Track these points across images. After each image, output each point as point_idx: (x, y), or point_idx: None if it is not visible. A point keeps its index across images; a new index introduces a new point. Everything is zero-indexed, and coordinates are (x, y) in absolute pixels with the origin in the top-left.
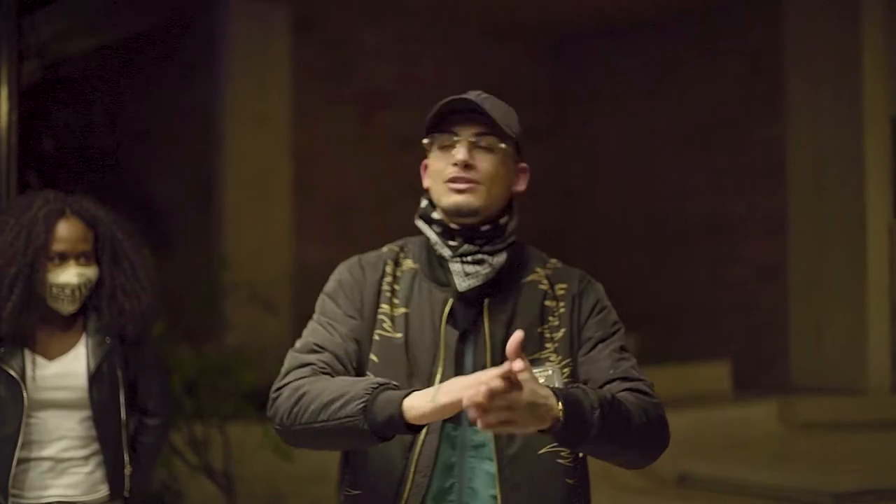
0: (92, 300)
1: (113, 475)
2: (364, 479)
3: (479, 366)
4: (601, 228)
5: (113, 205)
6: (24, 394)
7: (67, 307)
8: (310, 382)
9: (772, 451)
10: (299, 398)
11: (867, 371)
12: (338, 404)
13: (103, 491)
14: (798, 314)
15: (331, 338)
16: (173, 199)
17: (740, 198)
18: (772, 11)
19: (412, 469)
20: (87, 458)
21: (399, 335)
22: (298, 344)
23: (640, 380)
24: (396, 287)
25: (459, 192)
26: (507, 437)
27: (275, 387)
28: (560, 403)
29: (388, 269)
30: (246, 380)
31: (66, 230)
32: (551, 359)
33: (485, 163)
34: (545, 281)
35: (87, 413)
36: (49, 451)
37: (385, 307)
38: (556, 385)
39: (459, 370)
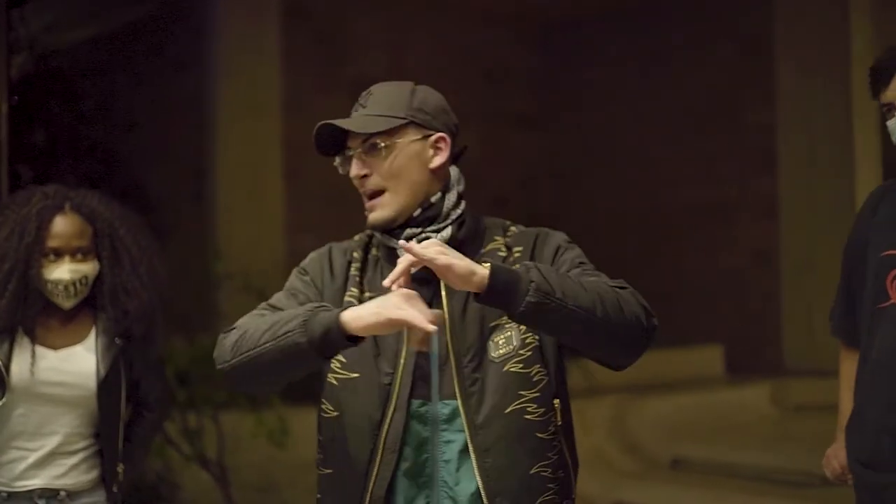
0: (97, 298)
1: (108, 469)
2: (334, 457)
3: (443, 343)
4: (593, 214)
5: (106, 196)
6: (7, 382)
7: (65, 302)
8: (254, 318)
9: (765, 433)
10: (244, 333)
11: None
12: (278, 325)
13: (87, 478)
14: (790, 298)
15: (287, 301)
16: (165, 189)
17: (732, 182)
18: None
19: (381, 446)
20: (75, 452)
21: None
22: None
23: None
24: (364, 273)
25: (370, 209)
26: (476, 405)
27: (223, 332)
28: (489, 269)
29: (357, 255)
30: None
31: (61, 226)
32: (506, 320)
33: (377, 166)
34: (503, 248)
35: (82, 410)
36: (39, 444)
37: (354, 290)
38: (516, 344)
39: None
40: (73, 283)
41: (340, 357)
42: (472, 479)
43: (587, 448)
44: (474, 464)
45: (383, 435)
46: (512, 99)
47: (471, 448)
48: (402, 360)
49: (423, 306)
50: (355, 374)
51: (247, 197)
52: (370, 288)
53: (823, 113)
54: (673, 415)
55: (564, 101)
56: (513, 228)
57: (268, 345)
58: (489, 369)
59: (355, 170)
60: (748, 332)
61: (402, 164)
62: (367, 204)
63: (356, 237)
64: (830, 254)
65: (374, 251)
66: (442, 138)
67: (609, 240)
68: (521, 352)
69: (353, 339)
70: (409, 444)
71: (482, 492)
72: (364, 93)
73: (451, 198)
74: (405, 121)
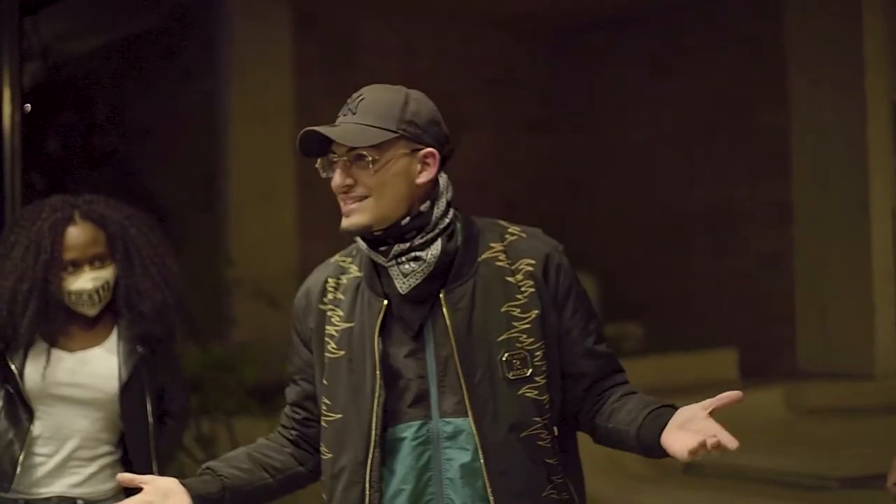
0: (115, 301)
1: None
2: (333, 498)
3: (442, 360)
4: (604, 218)
5: (111, 198)
6: (23, 389)
7: (89, 310)
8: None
9: (778, 437)
10: None
11: (874, 356)
12: None
13: (106, 488)
14: (803, 301)
15: (292, 388)
16: (177, 196)
17: (744, 185)
18: None
19: (367, 484)
20: (93, 458)
21: (342, 353)
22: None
23: (622, 370)
24: (339, 299)
25: (346, 214)
26: (490, 425)
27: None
28: None
29: (330, 285)
30: (250, 376)
31: (75, 237)
32: (521, 339)
33: (362, 176)
34: (502, 256)
35: (101, 414)
36: (55, 448)
37: (329, 329)
38: (531, 369)
39: (394, 382)
40: (97, 291)
41: (326, 400)
42: (479, 497)
43: (601, 453)
44: (488, 486)
45: (367, 474)
46: (521, 103)
47: (484, 470)
48: (375, 398)
49: None
50: (338, 416)
51: (259, 203)
52: (348, 317)
53: (836, 114)
54: None
55: (574, 106)
56: (511, 231)
57: None
58: (502, 388)
59: (339, 179)
60: (762, 335)
61: (388, 178)
62: (346, 209)
63: (334, 257)
64: (844, 256)
65: (353, 270)
66: (431, 153)
67: (619, 243)
68: (537, 379)
69: None
70: (411, 467)
71: None
72: (355, 95)
73: (439, 206)
74: (395, 135)
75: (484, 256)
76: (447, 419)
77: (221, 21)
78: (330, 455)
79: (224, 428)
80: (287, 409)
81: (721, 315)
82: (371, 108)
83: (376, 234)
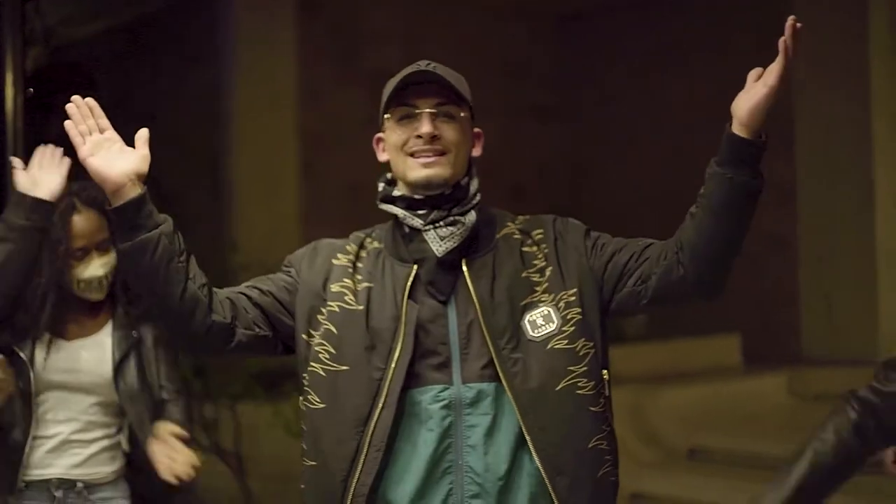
0: (113, 287)
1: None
2: (319, 450)
3: (465, 327)
4: (610, 203)
5: None
6: (31, 376)
7: (96, 295)
8: None
9: (782, 423)
10: None
11: (878, 342)
12: None
13: (107, 470)
14: (808, 285)
15: (263, 281)
16: (182, 182)
17: None
18: None
19: (366, 442)
20: (92, 441)
21: (360, 307)
22: None
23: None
24: (359, 265)
25: (427, 165)
26: (521, 385)
27: None
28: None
29: (350, 248)
30: (255, 360)
31: (81, 225)
32: (542, 299)
33: (448, 132)
34: (517, 232)
35: (98, 398)
36: (55, 431)
37: (347, 282)
38: (557, 321)
39: (419, 345)
40: (105, 276)
41: (329, 348)
42: (503, 464)
43: None
44: (531, 444)
45: (369, 431)
46: (529, 91)
47: (524, 428)
48: (395, 357)
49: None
50: (344, 367)
51: (263, 189)
52: (368, 278)
53: (840, 99)
54: (691, 405)
55: (581, 95)
56: (520, 217)
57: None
58: (529, 349)
59: (428, 128)
60: (765, 320)
61: (465, 139)
62: (425, 160)
63: (352, 234)
64: (848, 241)
65: (373, 244)
66: (479, 133)
67: (626, 229)
68: (565, 328)
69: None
70: (431, 429)
71: (542, 471)
72: (423, 61)
73: (474, 184)
74: (469, 104)
75: (502, 232)
76: (469, 384)
77: (225, 6)
78: (321, 405)
79: (228, 412)
80: (242, 287)
81: (725, 300)
82: (451, 74)
83: (424, 195)
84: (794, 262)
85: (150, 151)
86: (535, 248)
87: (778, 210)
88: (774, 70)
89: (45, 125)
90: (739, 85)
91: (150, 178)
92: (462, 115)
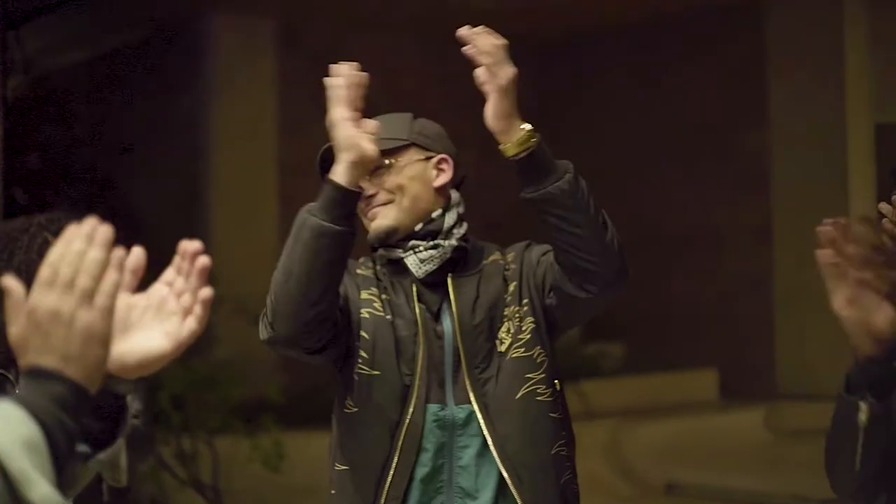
0: None
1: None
2: (351, 454)
3: (451, 343)
4: None
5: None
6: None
7: None
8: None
9: (759, 458)
10: (272, 286)
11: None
12: (291, 241)
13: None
14: (783, 322)
15: None
16: (159, 212)
17: (724, 207)
18: (754, 19)
19: (398, 447)
20: None
21: (389, 316)
22: None
23: None
24: (369, 278)
25: (373, 218)
26: (492, 402)
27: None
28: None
29: (366, 263)
30: (233, 393)
31: None
32: (506, 314)
33: (386, 181)
34: (501, 259)
35: None
36: None
37: (374, 289)
38: (513, 330)
39: (440, 344)
40: None
41: (363, 353)
42: (490, 487)
43: (581, 472)
44: (495, 454)
45: (401, 437)
46: None
47: (490, 441)
48: (419, 363)
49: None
50: (376, 372)
51: (242, 220)
52: (384, 290)
53: (816, 136)
54: (667, 439)
55: (556, 126)
56: (505, 249)
57: (294, 258)
58: (499, 362)
59: (364, 186)
60: (742, 356)
61: (405, 181)
62: (370, 213)
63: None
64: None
65: (368, 270)
66: (444, 159)
67: None
68: (520, 336)
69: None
70: (426, 449)
71: (507, 479)
72: None
73: (451, 216)
74: (407, 142)
75: (489, 259)
76: (461, 406)
77: (205, 37)
78: (355, 409)
79: (206, 446)
80: None
81: (701, 335)
82: (382, 126)
83: (392, 245)
84: (770, 298)
85: (128, 181)
86: (509, 271)
87: (753, 247)
88: (481, 74)
89: (25, 156)
90: (713, 117)
91: (128, 209)
92: (399, 159)
